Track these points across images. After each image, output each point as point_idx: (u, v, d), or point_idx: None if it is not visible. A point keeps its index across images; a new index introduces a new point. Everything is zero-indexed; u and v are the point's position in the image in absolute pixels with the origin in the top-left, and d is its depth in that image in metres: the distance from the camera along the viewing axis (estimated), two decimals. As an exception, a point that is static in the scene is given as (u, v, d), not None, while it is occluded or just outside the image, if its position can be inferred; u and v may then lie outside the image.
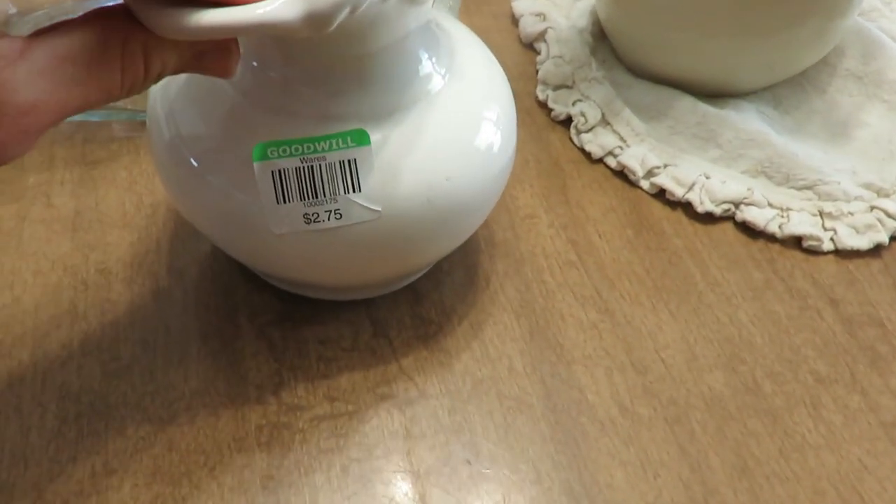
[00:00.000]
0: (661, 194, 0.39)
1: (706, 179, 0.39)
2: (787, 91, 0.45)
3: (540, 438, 0.29)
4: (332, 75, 0.25)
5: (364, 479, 0.28)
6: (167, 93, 0.27)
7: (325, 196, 0.25)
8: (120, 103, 0.39)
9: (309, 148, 0.24)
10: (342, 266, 0.27)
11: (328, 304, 0.32)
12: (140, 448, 0.28)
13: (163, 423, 0.28)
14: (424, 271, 0.33)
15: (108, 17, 0.20)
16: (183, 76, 0.27)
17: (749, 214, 0.38)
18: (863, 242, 0.37)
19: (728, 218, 0.38)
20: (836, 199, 0.38)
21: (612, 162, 0.40)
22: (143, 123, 0.39)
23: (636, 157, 0.40)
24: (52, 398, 0.29)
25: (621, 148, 0.40)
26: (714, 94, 0.43)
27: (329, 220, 0.25)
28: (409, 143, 0.25)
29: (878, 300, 0.35)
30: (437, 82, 0.27)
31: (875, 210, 0.38)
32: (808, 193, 0.39)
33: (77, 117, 0.39)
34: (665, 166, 0.39)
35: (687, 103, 0.42)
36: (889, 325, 0.34)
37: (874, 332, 0.34)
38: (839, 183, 0.38)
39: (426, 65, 0.27)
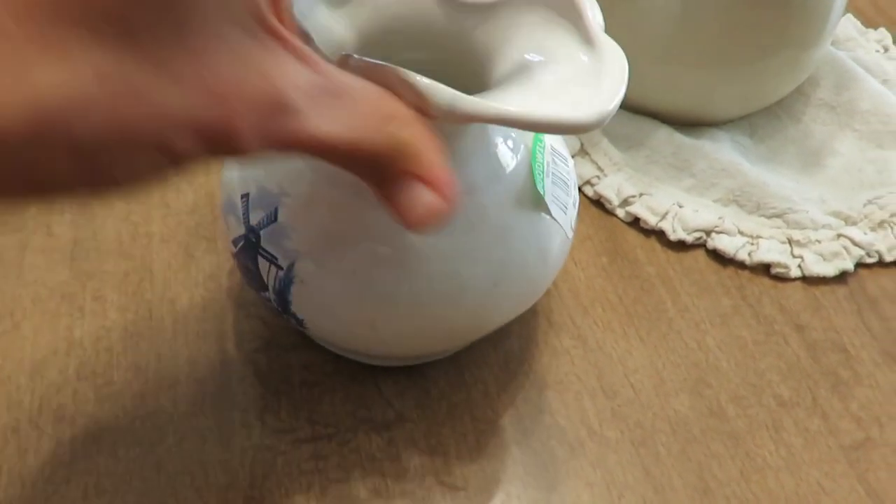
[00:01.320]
0: (635, 223, 0.40)
1: (679, 208, 0.40)
2: (763, 120, 0.46)
3: (511, 461, 0.31)
4: None
5: (342, 499, 0.29)
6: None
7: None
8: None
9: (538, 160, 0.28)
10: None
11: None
12: (130, 469, 0.29)
13: (152, 445, 0.30)
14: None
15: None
16: None
17: (720, 242, 0.39)
18: (829, 269, 0.38)
19: (700, 245, 0.40)
20: (804, 227, 0.40)
21: (589, 191, 0.42)
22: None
23: (612, 187, 0.41)
24: (48, 421, 0.30)
25: (598, 177, 0.42)
26: (691, 124, 0.44)
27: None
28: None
29: (843, 326, 0.36)
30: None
31: (842, 238, 0.39)
32: (778, 221, 0.40)
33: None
34: (640, 195, 0.41)
35: (663, 133, 0.43)
36: (852, 350, 0.36)
37: (837, 357, 0.35)
38: (807, 211, 0.40)
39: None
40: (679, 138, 0.43)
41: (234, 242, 0.28)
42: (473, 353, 0.34)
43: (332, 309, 0.27)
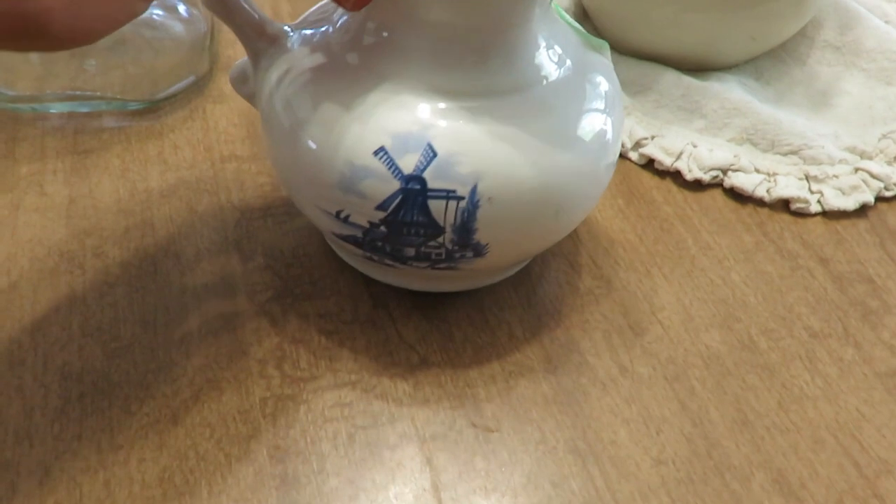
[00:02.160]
0: (650, 165, 0.39)
1: (693, 148, 0.39)
2: (768, 63, 0.45)
3: (543, 400, 0.30)
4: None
5: (371, 445, 0.28)
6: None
7: None
8: (109, 93, 0.39)
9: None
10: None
11: (328, 280, 0.33)
12: (145, 424, 0.28)
13: (167, 398, 0.28)
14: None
15: None
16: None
17: (737, 180, 0.38)
18: (849, 203, 0.38)
19: (716, 185, 0.39)
20: (821, 163, 0.39)
21: (600, 135, 0.40)
22: (134, 113, 0.39)
23: (624, 130, 0.40)
24: (54, 379, 0.29)
25: (609, 121, 0.41)
26: (697, 69, 0.43)
27: None
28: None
29: (867, 258, 0.36)
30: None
31: (860, 172, 0.39)
32: (794, 158, 0.39)
33: (67, 108, 0.39)
34: (652, 137, 0.40)
35: (671, 77, 0.42)
36: (878, 280, 0.35)
37: (864, 288, 0.35)
38: (823, 147, 0.39)
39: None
40: (687, 80, 0.42)
41: (382, 207, 0.26)
42: (495, 295, 0.33)
43: (522, 211, 0.26)
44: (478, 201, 0.25)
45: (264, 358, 0.30)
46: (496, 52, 0.26)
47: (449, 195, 0.25)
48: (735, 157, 0.39)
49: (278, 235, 0.34)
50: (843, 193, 0.38)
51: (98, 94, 0.39)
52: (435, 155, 0.25)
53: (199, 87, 0.41)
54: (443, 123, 0.25)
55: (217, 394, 0.29)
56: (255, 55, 0.29)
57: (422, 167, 0.25)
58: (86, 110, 0.39)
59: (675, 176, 0.39)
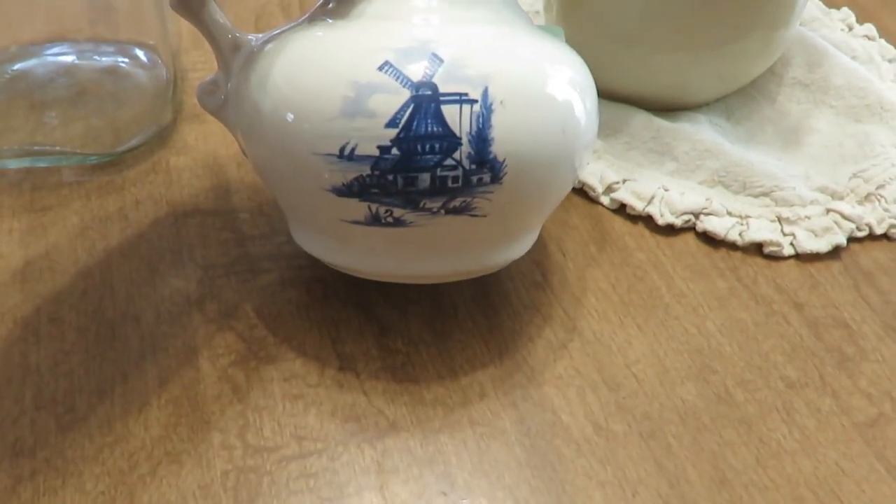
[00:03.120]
0: (621, 209, 0.39)
1: (665, 192, 0.39)
2: (738, 102, 0.45)
3: (515, 464, 0.29)
4: None
5: (337, 518, 0.27)
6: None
7: None
8: (69, 147, 0.38)
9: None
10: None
11: (293, 341, 0.32)
12: (100, 503, 0.26)
13: (123, 475, 0.27)
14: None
15: None
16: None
17: (709, 224, 0.38)
18: (822, 245, 0.37)
19: (689, 229, 0.38)
20: (792, 205, 0.39)
21: (571, 180, 0.40)
22: (94, 167, 0.38)
23: (595, 174, 0.40)
24: (4, 456, 0.27)
25: (579, 166, 0.40)
26: (668, 109, 0.43)
27: None
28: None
29: (841, 301, 0.35)
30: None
31: (831, 213, 0.38)
32: (766, 200, 0.39)
33: (25, 163, 0.38)
34: (624, 181, 0.39)
35: (642, 119, 0.42)
36: (853, 325, 0.34)
37: (840, 333, 0.34)
38: (794, 188, 0.39)
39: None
40: (658, 122, 0.42)
41: (394, 122, 0.25)
42: (466, 352, 0.32)
43: (533, 119, 0.26)
44: (491, 104, 0.26)
45: (226, 427, 0.29)
46: None
47: (462, 98, 0.25)
48: (707, 200, 0.38)
49: (242, 294, 0.33)
50: (816, 235, 0.38)
51: (58, 148, 0.38)
52: (441, 61, 0.26)
53: (162, 138, 0.40)
54: (442, 35, 0.26)
55: (176, 467, 0.28)
56: (227, 61, 0.30)
57: (430, 73, 0.25)
58: (44, 165, 0.38)
59: (648, 220, 0.39)
